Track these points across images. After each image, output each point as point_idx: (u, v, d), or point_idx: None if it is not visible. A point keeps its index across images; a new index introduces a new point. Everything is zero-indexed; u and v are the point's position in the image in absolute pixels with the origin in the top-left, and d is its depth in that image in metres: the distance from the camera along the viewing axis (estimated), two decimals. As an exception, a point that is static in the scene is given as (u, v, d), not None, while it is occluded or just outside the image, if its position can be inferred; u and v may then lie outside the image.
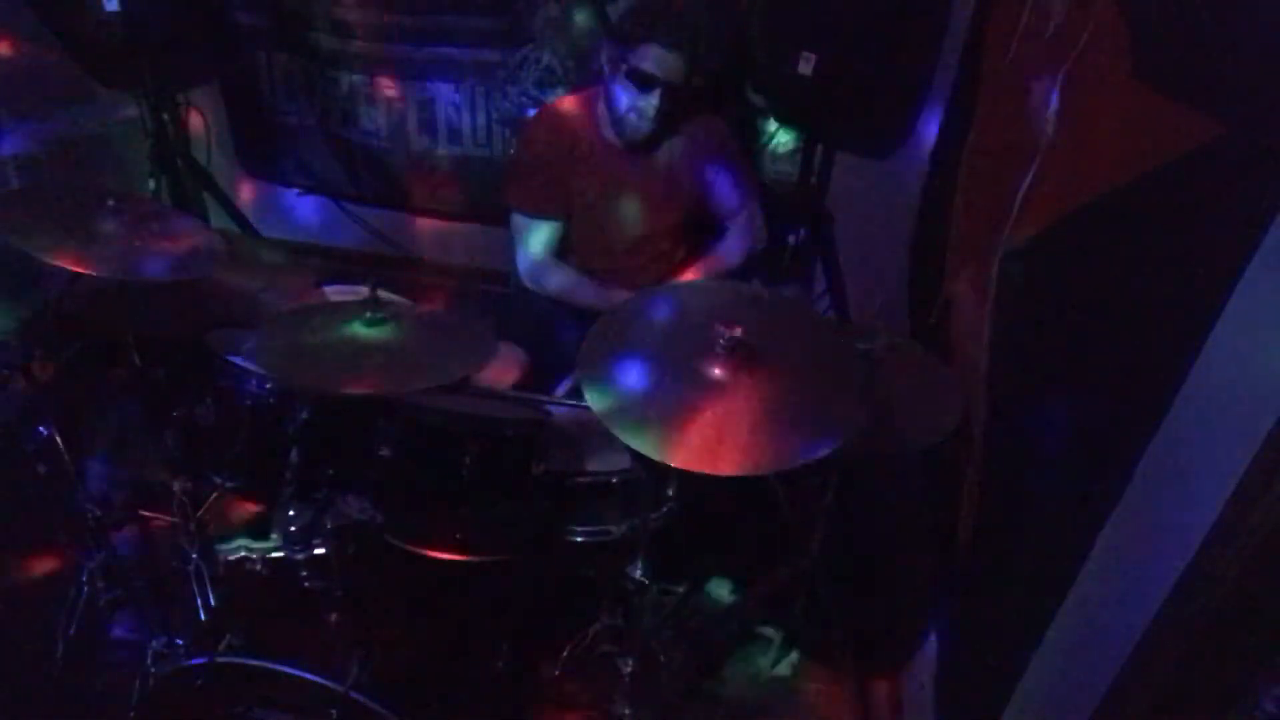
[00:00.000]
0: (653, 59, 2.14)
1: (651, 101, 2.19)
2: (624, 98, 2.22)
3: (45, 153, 2.99)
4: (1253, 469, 0.93)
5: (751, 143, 2.91)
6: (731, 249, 2.54)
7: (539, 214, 2.41)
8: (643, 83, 2.17)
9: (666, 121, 2.27)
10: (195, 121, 3.30)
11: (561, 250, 2.47)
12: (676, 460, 1.37)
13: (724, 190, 2.48)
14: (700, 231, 2.57)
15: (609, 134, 2.36)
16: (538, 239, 2.42)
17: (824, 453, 1.38)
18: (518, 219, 2.44)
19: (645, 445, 1.38)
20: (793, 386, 1.48)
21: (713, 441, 1.39)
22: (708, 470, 1.36)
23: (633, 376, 1.51)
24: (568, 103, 2.45)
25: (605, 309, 1.81)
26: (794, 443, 1.42)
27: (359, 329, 1.63)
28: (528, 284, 2.47)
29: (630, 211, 2.42)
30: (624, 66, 2.18)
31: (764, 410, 1.43)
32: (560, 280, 2.43)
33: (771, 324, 1.57)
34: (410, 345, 1.65)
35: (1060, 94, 1.60)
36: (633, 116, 2.24)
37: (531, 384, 2.24)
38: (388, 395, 1.68)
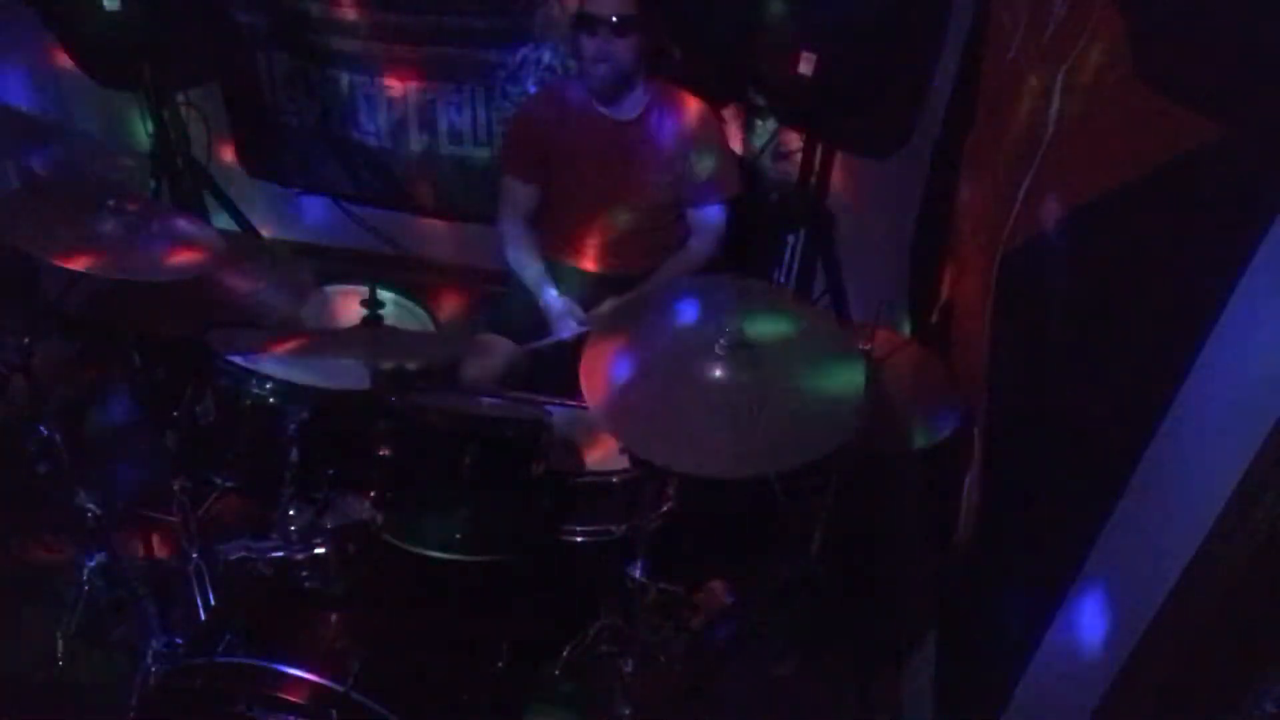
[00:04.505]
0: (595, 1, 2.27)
1: (602, 45, 2.29)
2: (585, 46, 2.32)
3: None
4: (1253, 469, 0.93)
5: (752, 143, 2.91)
6: (697, 249, 2.57)
7: (519, 176, 2.55)
8: (592, 26, 2.28)
9: (628, 63, 2.34)
10: (195, 121, 3.30)
11: (546, 222, 2.60)
12: (676, 460, 1.37)
13: (701, 176, 2.50)
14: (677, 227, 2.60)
15: (601, 108, 2.44)
16: (514, 201, 2.58)
17: (825, 451, 1.39)
18: (505, 181, 2.60)
19: (646, 446, 1.39)
20: (793, 385, 1.48)
21: (712, 441, 1.39)
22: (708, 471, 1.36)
23: (634, 377, 1.51)
24: (569, 85, 2.57)
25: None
26: (794, 442, 1.42)
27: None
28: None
29: (615, 183, 2.50)
30: (578, 18, 2.30)
31: (764, 410, 1.43)
32: (516, 257, 2.58)
33: (771, 323, 1.57)
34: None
35: (1060, 94, 1.60)
36: (591, 64, 2.32)
37: (519, 374, 2.32)
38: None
